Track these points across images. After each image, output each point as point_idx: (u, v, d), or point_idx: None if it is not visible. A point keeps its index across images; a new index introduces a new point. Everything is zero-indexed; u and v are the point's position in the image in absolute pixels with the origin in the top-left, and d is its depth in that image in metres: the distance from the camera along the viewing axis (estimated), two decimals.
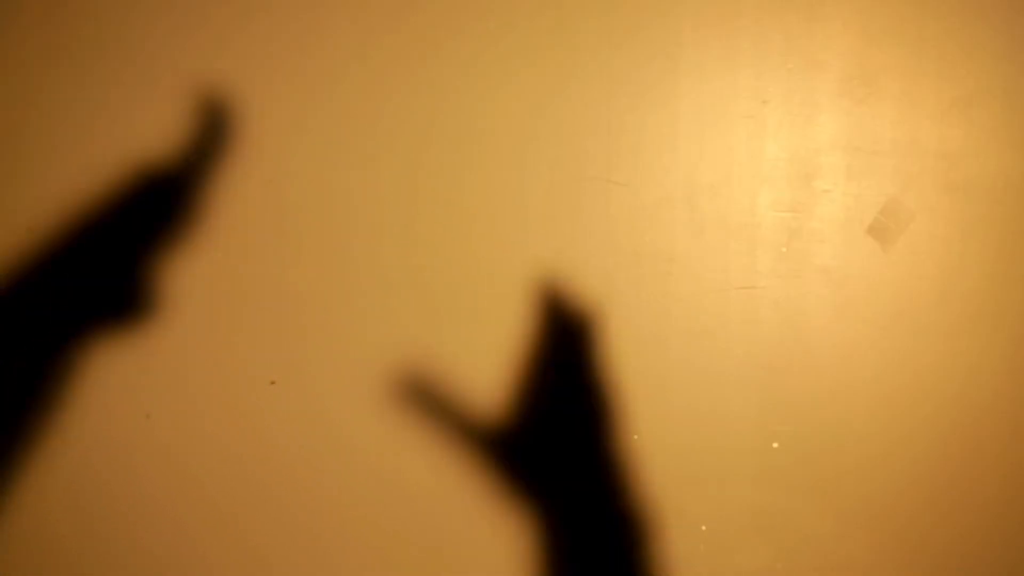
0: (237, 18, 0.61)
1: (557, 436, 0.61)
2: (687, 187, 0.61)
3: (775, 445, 0.61)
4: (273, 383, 0.62)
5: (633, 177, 0.61)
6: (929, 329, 0.60)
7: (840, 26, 0.60)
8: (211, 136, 0.61)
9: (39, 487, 0.62)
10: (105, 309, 0.61)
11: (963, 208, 0.60)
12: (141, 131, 0.61)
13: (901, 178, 0.60)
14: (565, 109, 0.61)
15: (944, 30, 0.59)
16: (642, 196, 0.61)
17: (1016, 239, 0.59)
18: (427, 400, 0.61)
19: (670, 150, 0.61)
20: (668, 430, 0.62)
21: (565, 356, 0.61)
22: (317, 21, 0.61)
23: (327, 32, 0.61)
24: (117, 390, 0.62)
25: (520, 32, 0.61)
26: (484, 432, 0.61)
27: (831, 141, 0.60)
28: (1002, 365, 0.60)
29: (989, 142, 0.59)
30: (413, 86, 0.61)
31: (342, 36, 0.61)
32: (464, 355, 0.61)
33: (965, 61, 0.59)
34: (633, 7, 0.60)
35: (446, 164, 0.61)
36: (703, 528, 0.62)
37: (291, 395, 0.61)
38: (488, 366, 0.61)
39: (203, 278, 0.61)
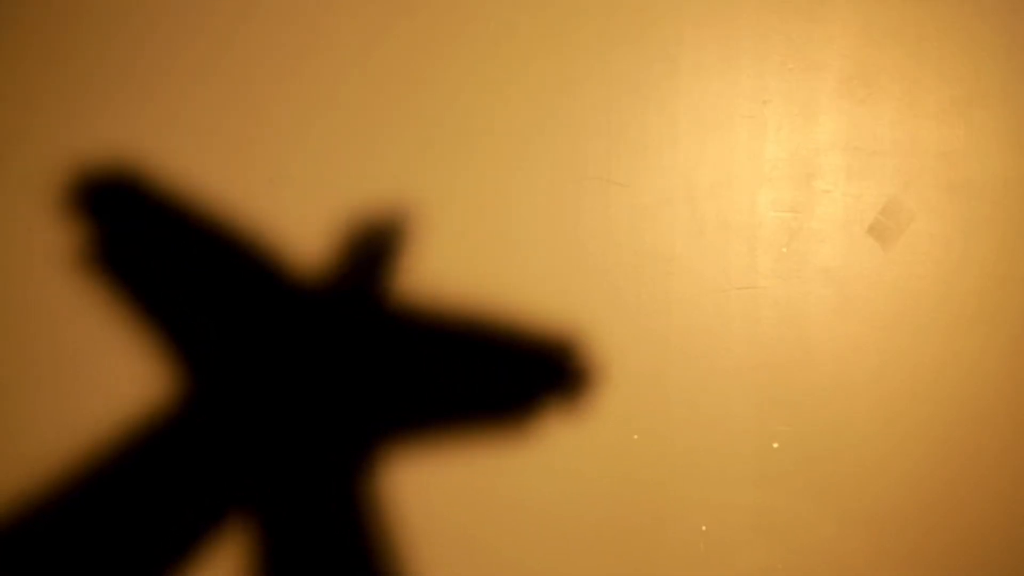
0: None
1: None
2: (687, 187, 0.61)
3: (775, 445, 0.61)
4: None
5: (633, 177, 0.61)
6: (929, 329, 0.60)
7: (840, 26, 0.60)
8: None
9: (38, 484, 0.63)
10: None
11: (963, 208, 0.60)
12: (136, 127, 0.62)
13: (901, 178, 0.60)
14: (566, 109, 0.61)
15: (944, 30, 0.59)
16: (642, 196, 0.61)
17: (1016, 239, 0.59)
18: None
19: (670, 150, 0.61)
20: (668, 430, 0.62)
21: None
22: (319, 22, 0.61)
23: (328, 33, 0.61)
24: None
25: (521, 33, 0.61)
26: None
27: (831, 141, 0.60)
28: (1002, 365, 0.60)
29: (989, 142, 0.59)
30: (414, 87, 0.61)
31: (343, 37, 0.61)
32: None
33: (965, 61, 0.59)
34: (634, 8, 0.60)
35: (447, 164, 0.61)
36: (703, 528, 0.62)
37: None
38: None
39: None
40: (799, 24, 0.60)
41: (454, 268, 0.61)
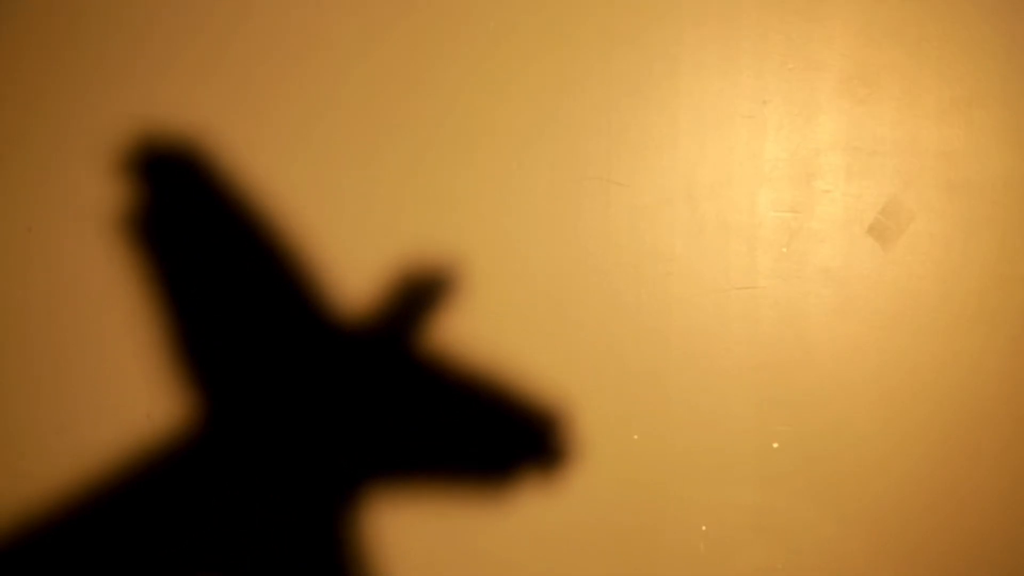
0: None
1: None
2: (687, 187, 0.61)
3: (775, 445, 0.61)
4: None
5: (633, 177, 0.61)
6: (929, 329, 0.60)
7: (840, 26, 0.60)
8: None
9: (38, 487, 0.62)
10: None
11: (963, 208, 0.60)
12: (138, 126, 0.62)
13: (901, 178, 0.60)
14: (566, 109, 0.61)
15: (944, 30, 0.59)
16: (642, 196, 0.61)
17: (1016, 239, 0.59)
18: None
19: (670, 150, 0.61)
20: (668, 430, 0.62)
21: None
22: (320, 21, 0.61)
23: (328, 32, 0.61)
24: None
25: (521, 33, 0.61)
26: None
27: (831, 141, 0.60)
28: (1002, 365, 0.60)
29: (989, 142, 0.59)
30: (415, 86, 0.61)
31: (343, 36, 0.61)
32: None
33: (965, 61, 0.59)
34: (634, 7, 0.60)
35: (447, 164, 0.61)
36: (703, 528, 0.62)
37: None
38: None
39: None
40: (799, 24, 0.60)
41: (454, 270, 0.61)
